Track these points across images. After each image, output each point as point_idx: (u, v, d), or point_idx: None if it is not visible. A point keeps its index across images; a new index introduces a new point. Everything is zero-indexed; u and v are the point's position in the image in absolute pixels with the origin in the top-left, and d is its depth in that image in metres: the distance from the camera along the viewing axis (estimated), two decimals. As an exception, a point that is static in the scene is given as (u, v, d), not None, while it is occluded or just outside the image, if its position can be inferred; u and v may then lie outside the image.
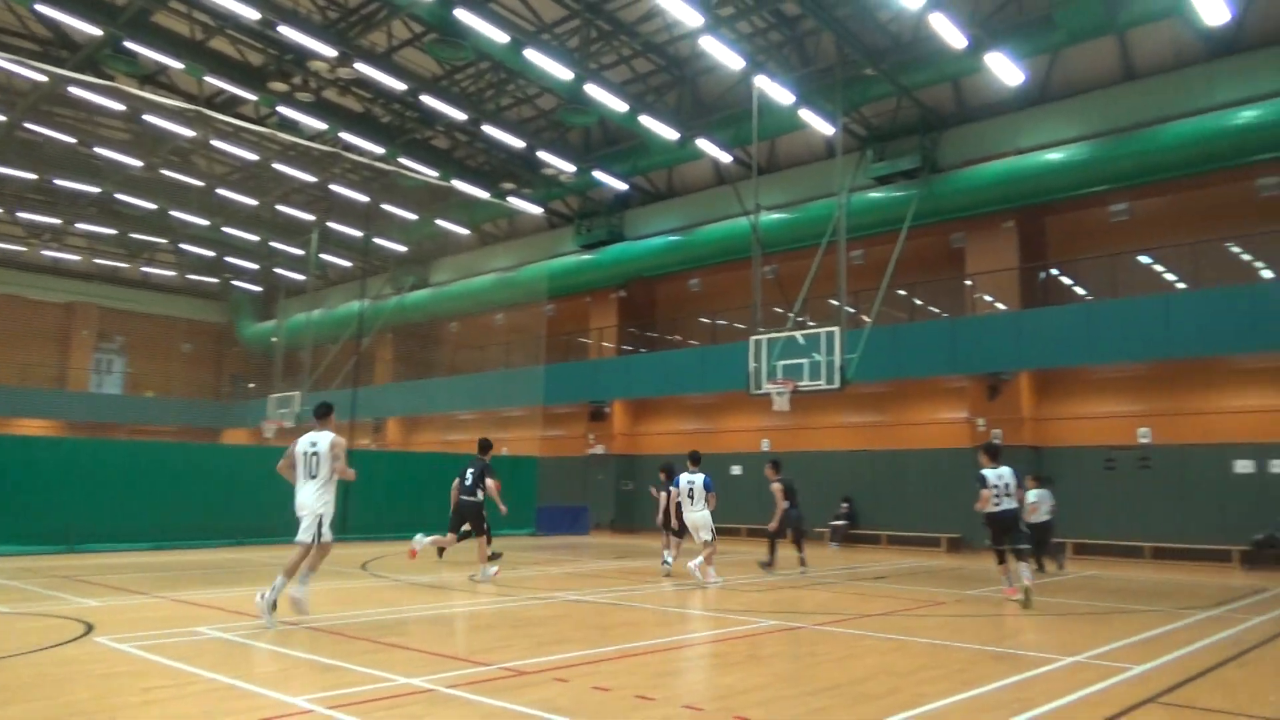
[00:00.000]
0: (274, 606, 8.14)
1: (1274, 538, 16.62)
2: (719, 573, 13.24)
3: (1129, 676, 6.48)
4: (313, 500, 8.50)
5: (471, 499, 12.79)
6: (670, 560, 14.15)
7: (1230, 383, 18.61)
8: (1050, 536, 15.44)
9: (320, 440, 8.53)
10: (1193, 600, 11.51)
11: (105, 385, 40.29)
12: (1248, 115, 17.36)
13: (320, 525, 8.42)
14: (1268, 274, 19.01)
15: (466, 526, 13.02)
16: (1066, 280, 21.80)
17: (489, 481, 12.86)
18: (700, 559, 12.96)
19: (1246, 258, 19.35)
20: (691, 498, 13.18)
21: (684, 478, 13.36)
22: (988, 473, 11.22)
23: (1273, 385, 18.08)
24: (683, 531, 14.46)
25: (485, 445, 13.74)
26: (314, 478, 8.50)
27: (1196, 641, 8.13)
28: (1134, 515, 18.88)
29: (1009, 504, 11.18)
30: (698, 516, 13.13)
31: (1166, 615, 9.94)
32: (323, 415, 8.80)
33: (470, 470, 12.88)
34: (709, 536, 13.13)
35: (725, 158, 23.27)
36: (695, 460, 13.66)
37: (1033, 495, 15.31)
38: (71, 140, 26.87)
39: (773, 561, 14.80)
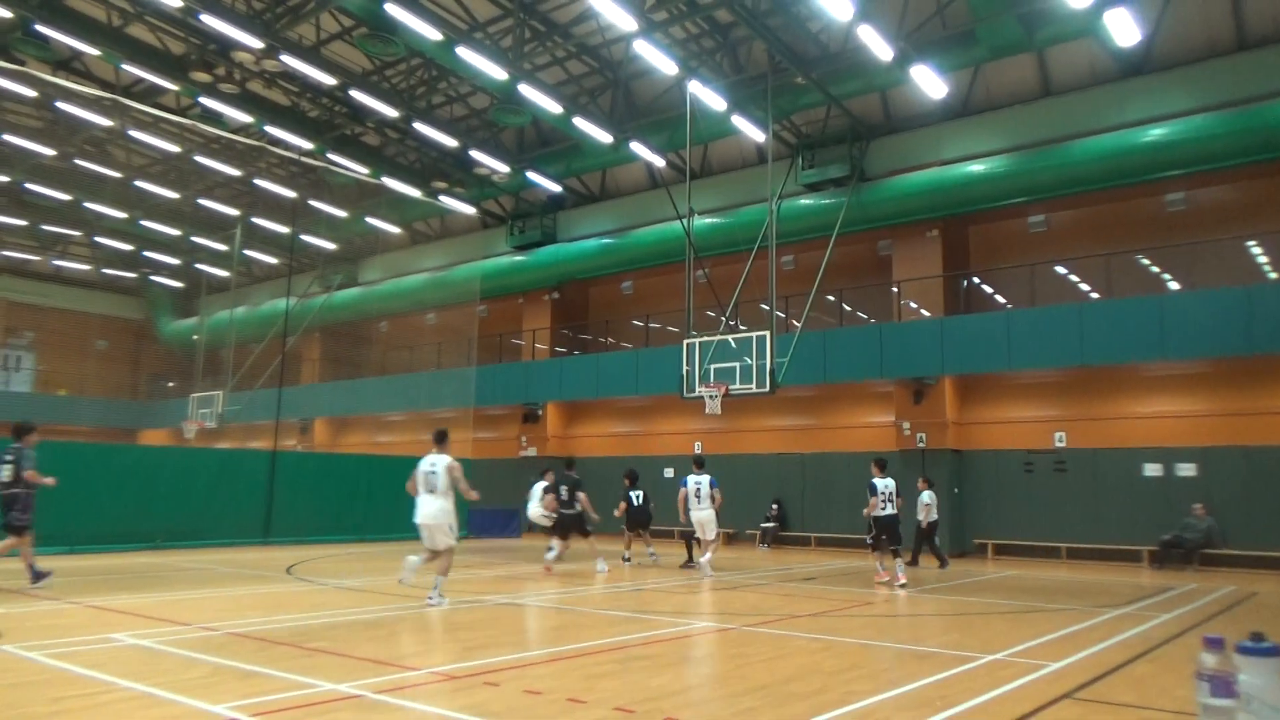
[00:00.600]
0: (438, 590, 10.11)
1: (1180, 538, 17.37)
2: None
3: (1045, 673, 6.71)
4: (435, 511, 10.13)
5: (571, 511, 14.87)
6: (629, 557, 15.86)
7: (1139, 389, 19.40)
8: (935, 534, 17.35)
9: (438, 462, 10.21)
10: (1105, 599, 11.96)
11: (13, 383, 38.50)
12: (1156, 133, 18.14)
13: (451, 530, 10.19)
14: (1174, 285, 19.89)
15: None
16: (988, 289, 22.47)
17: (582, 494, 14.95)
18: (708, 555, 14.24)
19: (1155, 270, 20.21)
20: (698, 498, 14.27)
21: (691, 479, 14.52)
22: (877, 482, 13.27)
23: (1179, 392, 18.92)
24: (635, 526, 16.26)
25: (571, 462, 16.33)
26: (433, 492, 10.14)
27: (1109, 639, 8.46)
28: (1050, 517, 19.55)
29: (892, 509, 13.26)
30: (703, 515, 14.28)
31: (1081, 613, 10.32)
32: (440, 440, 10.54)
33: (564, 486, 14.94)
34: (713, 535, 14.36)
35: (659, 161, 23.39)
36: (699, 463, 15.04)
37: (926, 496, 17.28)
38: (-22, 127, 25.71)
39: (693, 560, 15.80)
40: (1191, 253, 19.24)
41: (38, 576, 11.47)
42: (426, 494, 10.21)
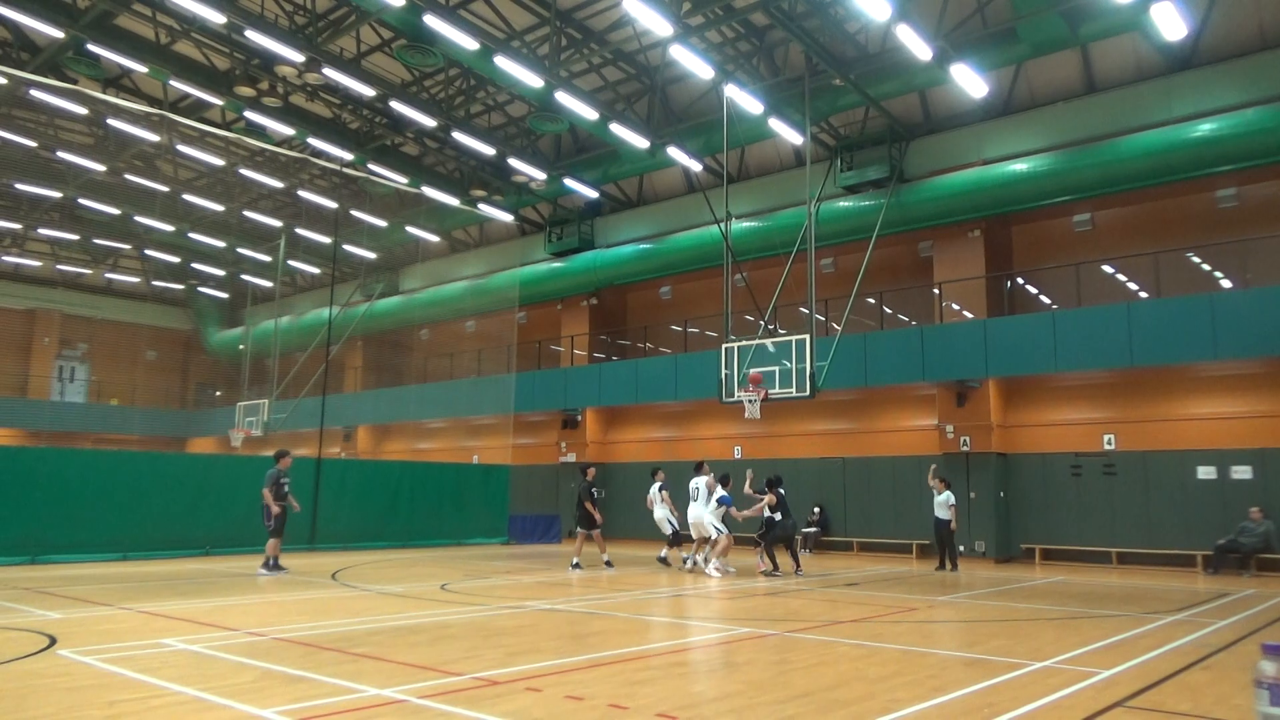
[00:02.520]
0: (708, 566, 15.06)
1: (1236, 542, 16.93)
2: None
3: (1096, 681, 6.57)
4: (698, 514, 15.27)
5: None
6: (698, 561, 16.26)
7: (1191, 390, 18.96)
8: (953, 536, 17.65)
9: (700, 481, 15.40)
10: (1158, 605, 11.70)
11: (68, 393, 39.53)
12: (1205, 128, 17.74)
13: (716, 528, 15.13)
14: (1226, 284, 19.41)
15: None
16: (1032, 289, 22.11)
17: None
18: (698, 555, 15.87)
19: (1206, 268, 19.74)
20: (694, 497, 15.65)
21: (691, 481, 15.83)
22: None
23: (1232, 392, 18.45)
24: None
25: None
26: (696, 501, 15.31)
27: (1162, 645, 8.26)
28: (1100, 521, 19.17)
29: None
30: (693, 514, 15.63)
31: (1133, 620, 10.09)
32: (699, 469, 15.75)
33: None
34: (709, 535, 15.52)
35: (696, 166, 23.36)
36: (698, 467, 16.07)
37: (950, 497, 17.41)
38: (32, 144, 26.40)
39: (776, 567, 15.71)
40: (1244, 250, 18.77)
41: (275, 568, 14.50)
42: (694, 503, 15.28)
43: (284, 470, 14.79)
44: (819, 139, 22.60)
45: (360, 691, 5.90)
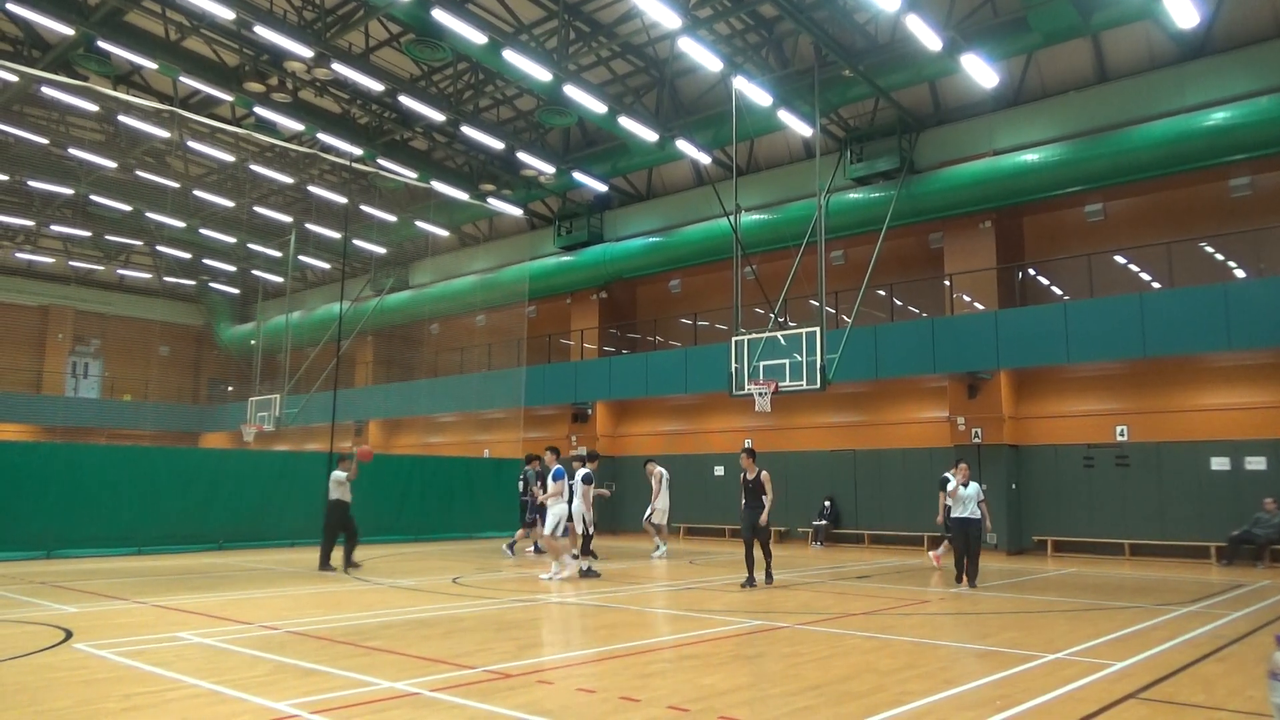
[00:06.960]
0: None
1: (1250, 534, 16.83)
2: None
3: (1109, 673, 6.55)
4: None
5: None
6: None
7: (1205, 381, 18.83)
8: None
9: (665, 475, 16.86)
10: (1171, 596, 11.65)
11: (81, 389, 39.76)
12: (1218, 117, 17.59)
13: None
14: (1240, 273, 19.27)
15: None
16: (1043, 280, 22.00)
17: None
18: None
19: (1219, 257, 19.60)
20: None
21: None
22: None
23: (1246, 383, 18.32)
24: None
25: None
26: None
27: (1175, 637, 8.23)
28: (1112, 513, 19.09)
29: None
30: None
31: (1145, 612, 10.05)
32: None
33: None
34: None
35: (705, 159, 23.30)
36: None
37: (981, 491, 13.32)
38: (44, 141, 26.52)
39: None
40: (1258, 239, 18.62)
41: (510, 548, 17.69)
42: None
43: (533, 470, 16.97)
44: (828, 131, 22.50)
45: (373, 685, 5.93)
